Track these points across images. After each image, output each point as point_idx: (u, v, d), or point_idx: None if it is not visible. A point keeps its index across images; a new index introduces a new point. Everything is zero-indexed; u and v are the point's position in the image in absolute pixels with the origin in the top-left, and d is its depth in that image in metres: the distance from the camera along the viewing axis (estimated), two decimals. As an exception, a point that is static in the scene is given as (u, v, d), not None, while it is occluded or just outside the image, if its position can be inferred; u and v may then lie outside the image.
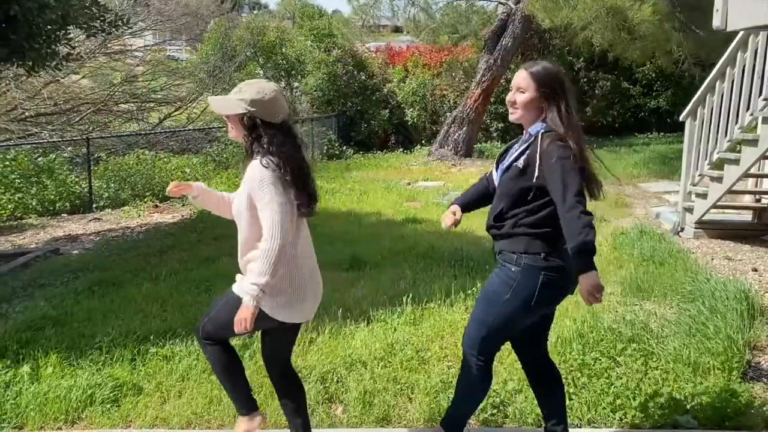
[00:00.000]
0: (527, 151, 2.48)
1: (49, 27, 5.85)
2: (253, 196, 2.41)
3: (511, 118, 2.60)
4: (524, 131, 2.61)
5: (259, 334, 2.66)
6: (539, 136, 2.45)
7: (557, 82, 2.52)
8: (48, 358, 3.83)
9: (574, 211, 2.29)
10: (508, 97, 2.58)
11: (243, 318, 2.34)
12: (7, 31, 5.53)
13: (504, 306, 2.52)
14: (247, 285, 2.35)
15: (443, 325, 4.35)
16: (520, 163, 2.48)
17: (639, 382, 3.41)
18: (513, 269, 2.51)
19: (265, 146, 2.45)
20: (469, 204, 2.82)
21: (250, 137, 2.49)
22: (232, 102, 2.47)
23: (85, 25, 6.25)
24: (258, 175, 2.40)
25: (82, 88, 16.96)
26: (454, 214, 2.73)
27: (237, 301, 2.41)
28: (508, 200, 2.53)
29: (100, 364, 3.81)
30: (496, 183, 2.65)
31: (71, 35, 6.42)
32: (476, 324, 2.62)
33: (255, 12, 40.70)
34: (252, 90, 2.46)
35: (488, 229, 2.65)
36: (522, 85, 2.52)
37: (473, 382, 2.67)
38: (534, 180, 2.42)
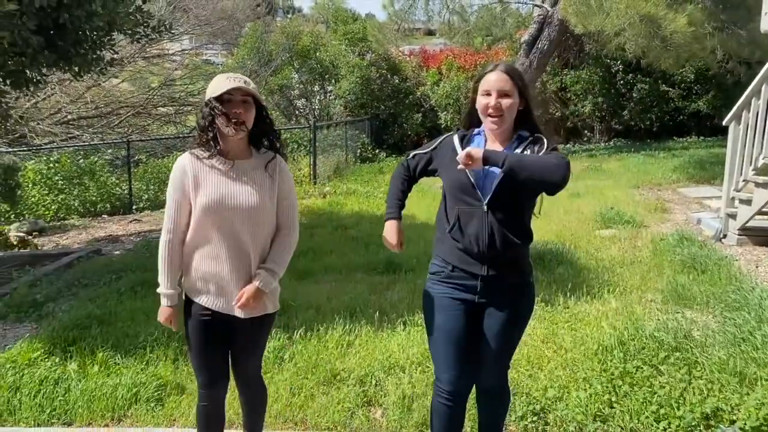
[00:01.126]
0: (528, 148, 2.35)
1: (95, 33, 6.00)
2: (290, 189, 2.55)
3: (496, 128, 2.35)
4: (492, 136, 2.41)
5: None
6: (544, 141, 2.34)
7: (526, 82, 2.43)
8: (94, 357, 3.94)
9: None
10: (491, 103, 2.31)
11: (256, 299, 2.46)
12: (55, 38, 5.69)
13: (526, 325, 2.56)
14: (270, 277, 2.47)
15: (481, 330, 4.34)
16: None
17: (683, 392, 3.35)
18: (531, 284, 2.50)
19: (273, 138, 2.52)
20: (402, 209, 2.62)
21: (260, 128, 2.48)
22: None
23: (129, 31, 6.39)
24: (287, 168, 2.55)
25: (122, 91, 17.39)
26: (399, 231, 2.53)
27: (268, 320, 2.56)
28: (522, 208, 2.38)
29: (144, 363, 3.89)
30: (483, 189, 2.34)
31: (115, 41, 6.56)
32: (508, 354, 2.54)
33: (289, 16, 41.09)
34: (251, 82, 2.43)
35: (507, 248, 2.33)
36: (507, 88, 2.32)
37: (510, 398, 2.72)
38: None
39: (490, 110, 2.32)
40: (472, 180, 2.34)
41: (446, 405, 2.49)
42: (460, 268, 2.41)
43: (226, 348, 2.55)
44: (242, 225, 2.40)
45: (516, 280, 2.44)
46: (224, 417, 2.68)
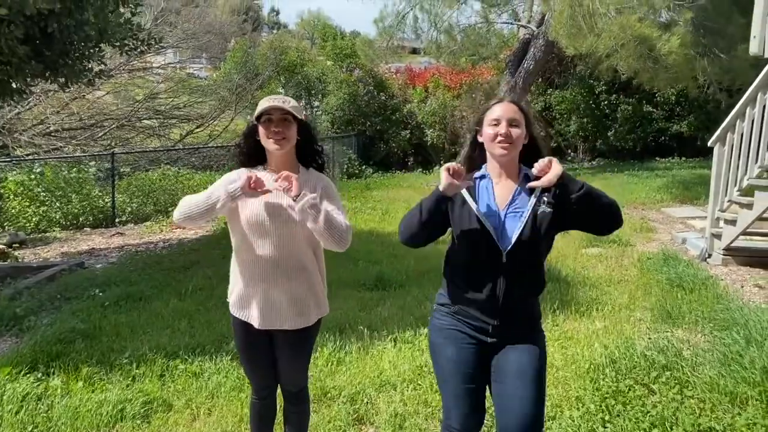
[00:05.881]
0: (544, 194, 2.20)
1: (83, 44, 5.95)
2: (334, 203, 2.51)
3: (506, 154, 2.22)
4: (499, 173, 2.30)
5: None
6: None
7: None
8: (78, 372, 3.85)
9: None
10: (501, 131, 2.20)
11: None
12: (42, 47, 5.63)
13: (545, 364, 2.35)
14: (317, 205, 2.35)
15: (472, 347, 4.31)
16: (548, 207, 2.20)
17: (675, 411, 3.34)
18: (542, 331, 2.40)
19: (322, 155, 2.60)
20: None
21: (304, 145, 2.54)
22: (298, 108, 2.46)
23: (118, 43, 6.35)
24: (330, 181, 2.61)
25: (106, 103, 17.23)
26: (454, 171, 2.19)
27: (310, 334, 2.57)
28: (542, 255, 2.29)
29: (131, 379, 3.81)
30: (502, 239, 2.19)
31: (104, 52, 6.52)
32: (541, 404, 2.25)
33: (274, 32, 41.20)
34: (294, 101, 2.48)
35: (524, 300, 2.27)
36: (516, 117, 2.23)
37: None
38: (563, 223, 2.22)
39: (500, 138, 2.20)
40: (490, 229, 2.19)
41: None
42: (469, 314, 2.29)
43: (270, 358, 2.62)
44: (282, 240, 2.44)
45: (527, 329, 2.32)
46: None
